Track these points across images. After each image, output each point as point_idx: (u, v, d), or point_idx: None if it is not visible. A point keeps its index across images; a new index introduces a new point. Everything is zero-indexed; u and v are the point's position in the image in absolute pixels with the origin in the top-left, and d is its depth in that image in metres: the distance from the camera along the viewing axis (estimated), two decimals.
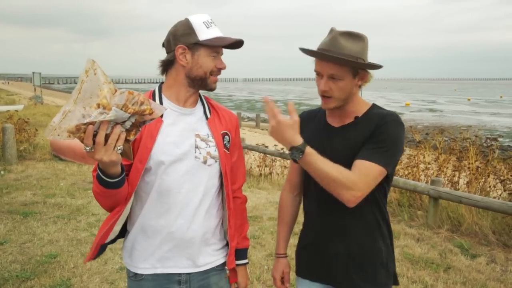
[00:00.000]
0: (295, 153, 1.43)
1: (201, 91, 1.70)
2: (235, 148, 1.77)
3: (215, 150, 1.65)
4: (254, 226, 5.11)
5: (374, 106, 1.69)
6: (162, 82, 1.68)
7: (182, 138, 1.60)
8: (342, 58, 1.50)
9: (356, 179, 1.47)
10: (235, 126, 1.79)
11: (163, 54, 1.66)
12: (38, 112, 18.75)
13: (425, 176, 6.47)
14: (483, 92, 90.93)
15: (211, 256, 1.71)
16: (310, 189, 1.74)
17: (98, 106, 1.16)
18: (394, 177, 5.96)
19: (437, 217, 5.22)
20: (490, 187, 5.96)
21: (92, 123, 1.17)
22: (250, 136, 17.33)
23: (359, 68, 1.56)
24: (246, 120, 31.39)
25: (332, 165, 1.46)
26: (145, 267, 1.65)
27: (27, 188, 6.53)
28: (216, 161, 1.65)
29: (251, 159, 9.66)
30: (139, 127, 1.27)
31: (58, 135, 1.18)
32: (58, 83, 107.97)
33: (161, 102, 1.62)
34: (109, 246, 1.69)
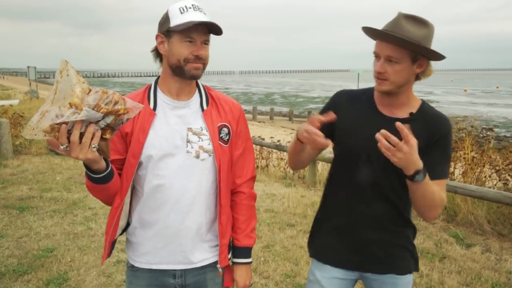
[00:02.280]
0: (421, 176, 1.44)
1: (201, 82, 1.67)
2: (239, 141, 1.70)
3: (209, 144, 1.59)
4: None
5: (424, 103, 1.67)
6: (159, 76, 1.67)
7: (173, 132, 1.57)
8: (402, 39, 1.47)
9: (444, 199, 1.57)
10: (238, 117, 1.69)
11: None
12: (33, 106, 18.61)
13: None
14: (480, 83, 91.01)
15: (208, 253, 1.67)
16: (340, 175, 1.74)
17: (70, 105, 1.19)
18: None
19: None
20: (485, 177, 5.98)
21: (66, 122, 1.20)
22: None
23: (419, 54, 1.52)
24: None
25: (435, 188, 1.52)
26: (141, 261, 1.66)
27: (23, 182, 6.51)
28: (210, 155, 1.60)
29: None
30: (115, 127, 1.28)
31: (35, 134, 1.22)
32: (54, 77, 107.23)
33: (155, 96, 1.61)
34: None
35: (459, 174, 6.18)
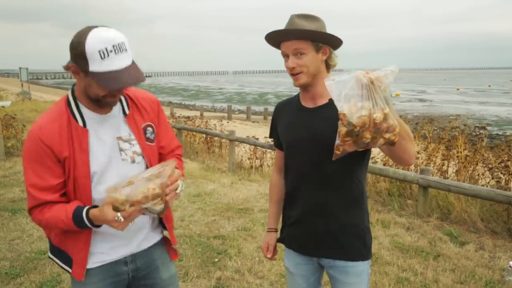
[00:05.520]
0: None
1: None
2: (162, 132, 1.77)
3: (139, 147, 1.66)
4: (245, 218, 5.11)
5: None
6: (74, 85, 1.60)
7: (106, 146, 1.60)
8: (302, 30, 1.64)
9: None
10: (157, 111, 1.76)
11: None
12: (26, 108, 18.49)
13: (414, 165, 6.51)
14: (472, 82, 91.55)
15: (152, 237, 1.80)
16: (292, 171, 1.88)
17: (162, 201, 1.47)
18: (384, 167, 6.01)
19: (426, 205, 5.27)
20: (478, 175, 6.02)
21: (142, 209, 1.46)
22: (240, 128, 17.29)
23: (319, 42, 1.67)
24: (237, 112, 31.31)
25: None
26: (93, 262, 1.67)
27: (15, 184, 6.45)
28: (143, 158, 1.67)
29: (242, 152, 9.65)
30: None
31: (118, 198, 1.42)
32: (46, 78, 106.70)
33: (80, 112, 1.57)
34: None
35: (453, 172, 6.22)
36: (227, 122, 15.67)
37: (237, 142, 9.16)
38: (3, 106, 14.76)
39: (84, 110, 1.58)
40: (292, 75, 1.72)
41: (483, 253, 4.17)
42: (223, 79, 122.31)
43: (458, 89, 61.77)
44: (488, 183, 5.76)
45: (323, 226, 1.78)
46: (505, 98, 46.53)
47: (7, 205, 5.42)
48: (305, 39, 1.65)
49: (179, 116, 14.03)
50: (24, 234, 4.43)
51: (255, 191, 6.38)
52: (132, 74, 1.45)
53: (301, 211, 1.83)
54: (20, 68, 25.68)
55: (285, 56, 1.71)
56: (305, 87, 1.76)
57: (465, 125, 7.38)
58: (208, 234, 4.55)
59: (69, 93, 1.60)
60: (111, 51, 1.40)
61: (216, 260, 3.91)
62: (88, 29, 1.42)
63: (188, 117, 14.27)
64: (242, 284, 3.48)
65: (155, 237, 1.81)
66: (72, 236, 1.61)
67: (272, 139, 2.03)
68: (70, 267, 1.66)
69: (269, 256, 2.05)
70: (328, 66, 1.76)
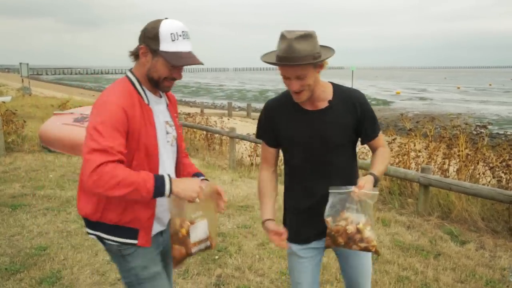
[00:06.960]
0: (378, 181, 1.88)
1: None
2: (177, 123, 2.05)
3: (175, 132, 1.94)
4: (245, 215, 5.11)
5: (334, 86, 1.96)
6: (131, 70, 1.81)
7: (161, 125, 1.84)
8: (305, 64, 1.69)
9: (388, 151, 2.05)
10: (176, 104, 2.09)
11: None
12: (26, 103, 18.49)
13: (415, 164, 6.51)
14: (473, 80, 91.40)
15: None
16: (300, 168, 1.99)
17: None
18: None
19: (427, 204, 5.26)
20: (479, 174, 6.01)
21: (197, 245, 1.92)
22: (241, 125, 17.25)
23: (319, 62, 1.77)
24: (237, 110, 31.28)
25: (385, 160, 1.97)
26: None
27: (15, 180, 6.44)
28: (176, 142, 1.95)
29: (242, 149, 9.64)
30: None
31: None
32: (47, 74, 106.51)
33: (146, 95, 1.79)
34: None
35: (454, 171, 6.21)
36: (228, 119, 15.66)
37: (237, 139, 9.15)
38: (3, 102, 14.74)
39: (147, 92, 1.81)
40: (295, 93, 1.81)
41: (483, 252, 4.17)
42: (223, 76, 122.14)
43: (458, 88, 61.68)
44: (489, 182, 5.75)
45: None
46: (506, 97, 46.50)
47: (7, 200, 5.41)
48: (308, 64, 1.71)
49: (179, 113, 14.04)
50: (24, 230, 4.42)
51: (255, 189, 6.37)
52: (193, 57, 1.73)
53: (316, 201, 1.93)
54: (20, 63, 25.67)
55: (286, 78, 1.77)
56: None
57: (466, 124, 7.36)
58: None
59: (130, 76, 1.79)
60: (180, 36, 1.69)
61: (217, 257, 3.91)
62: (160, 19, 1.70)
63: (189, 113, 14.27)
64: (242, 281, 3.47)
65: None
66: (139, 205, 1.78)
67: (263, 139, 2.07)
68: (135, 238, 1.82)
69: (284, 237, 1.91)
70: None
